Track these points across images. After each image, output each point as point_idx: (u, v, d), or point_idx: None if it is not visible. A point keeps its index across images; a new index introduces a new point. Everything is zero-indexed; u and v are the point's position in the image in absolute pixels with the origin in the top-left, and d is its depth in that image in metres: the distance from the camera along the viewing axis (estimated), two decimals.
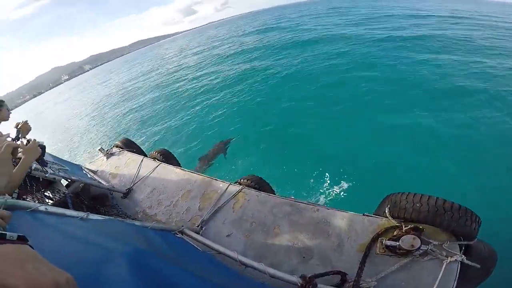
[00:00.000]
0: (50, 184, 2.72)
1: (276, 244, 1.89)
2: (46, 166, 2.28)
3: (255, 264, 1.58)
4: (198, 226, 2.21)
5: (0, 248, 0.48)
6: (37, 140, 1.78)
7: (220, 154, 6.93)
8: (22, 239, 0.56)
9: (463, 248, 1.50)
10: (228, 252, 1.72)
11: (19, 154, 1.58)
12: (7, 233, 0.54)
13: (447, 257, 1.40)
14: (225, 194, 2.42)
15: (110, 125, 14.59)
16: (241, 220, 2.15)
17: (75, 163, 3.79)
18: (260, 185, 2.49)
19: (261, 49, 18.74)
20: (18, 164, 1.58)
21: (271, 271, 1.51)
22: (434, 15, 21.77)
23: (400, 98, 7.75)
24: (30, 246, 0.57)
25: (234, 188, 2.44)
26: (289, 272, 1.52)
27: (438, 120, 6.35)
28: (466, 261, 1.41)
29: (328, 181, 4.99)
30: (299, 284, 1.40)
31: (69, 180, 2.99)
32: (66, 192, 2.58)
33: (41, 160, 2.08)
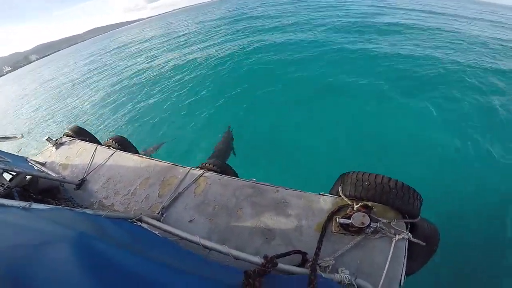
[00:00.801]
0: None
1: (240, 226, 1.91)
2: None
3: (219, 247, 1.58)
4: (158, 214, 2.15)
5: None
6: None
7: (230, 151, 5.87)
8: None
9: (409, 226, 1.62)
10: (189, 236, 1.70)
11: None
12: None
13: (395, 235, 1.51)
14: (185, 179, 2.37)
15: (59, 115, 13.47)
16: (203, 205, 2.13)
17: (19, 155, 3.43)
18: (222, 168, 2.47)
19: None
20: None
21: (235, 252, 1.52)
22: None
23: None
24: None
25: (195, 172, 2.40)
26: (253, 254, 1.54)
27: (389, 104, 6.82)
28: (412, 239, 1.53)
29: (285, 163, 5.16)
30: (261, 263, 1.43)
31: (13, 174, 2.71)
32: (11, 185, 2.34)
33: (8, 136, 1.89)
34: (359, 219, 1.48)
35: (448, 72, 8.31)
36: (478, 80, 7.75)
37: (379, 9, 20.63)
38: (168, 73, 13.05)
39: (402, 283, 1.36)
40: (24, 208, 1.47)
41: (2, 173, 2.54)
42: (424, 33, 13.30)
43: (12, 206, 1.49)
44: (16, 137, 1.73)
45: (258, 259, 1.46)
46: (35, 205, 1.53)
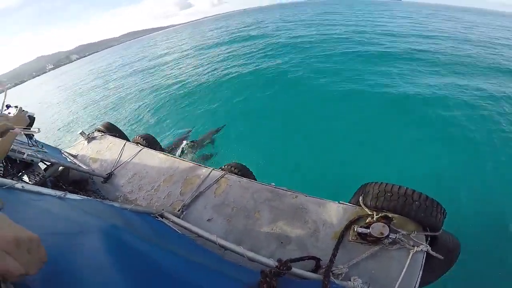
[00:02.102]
0: (28, 167, 2.65)
1: (256, 229, 1.94)
2: (32, 139, 2.22)
3: (235, 247, 1.61)
4: (179, 211, 2.23)
5: None
6: (28, 111, 1.81)
7: (208, 141, 7.09)
8: None
9: (429, 238, 1.58)
10: (207, 235, 1.75)
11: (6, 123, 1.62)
12: None
13: (414, 247, 1.48)
14: (207, 179, 2.44)
15: (93, 111, 14.29)
16: (222, 205, 2.19)
17: (53, 146, 3.68)
18: (242, 171, 2.53)
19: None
20: (4, 137, 1.61)
21: (250, 254, 1.54)
22: None
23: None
24: None
25: (217, 173, 2.47)
26: (267, 257, 1.56)
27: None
28: (431, 252, 1.49)
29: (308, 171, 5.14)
30: (275, 266, 1.45)
31: (48, 164, 2.91)
32: (46, 174, 2.52)
33: (28, 135, 2.07)
34: (378, 229, 1.46)
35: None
36: None
37: None
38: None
39: None
40: (59, 198, 1.58)
41: (39, 162, 2.74)
42: None
43: (49, 195, 1.60)
44: (35, 131, 1.88)
45: (272, 262, 1.47)
46: (69, 195, 1.64)
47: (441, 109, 6.92)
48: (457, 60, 11.18)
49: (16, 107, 1.79)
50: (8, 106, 2.06)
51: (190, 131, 8.00)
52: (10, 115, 2.00)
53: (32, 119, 1.89)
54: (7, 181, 1.37)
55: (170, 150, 6.66)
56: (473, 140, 5.73)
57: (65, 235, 1.01)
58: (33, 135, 2.17)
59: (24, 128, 1.83)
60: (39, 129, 2.15)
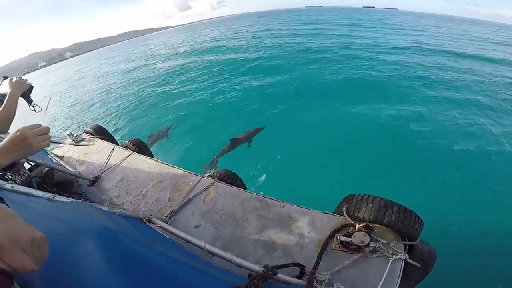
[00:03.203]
0: (12, 166, 2.60)
1: (244, 236, 1.98)
2: (31, 104, 2.23)
3: (222, 253, 1.64)
4: (166, 217, 2.24)
5: None
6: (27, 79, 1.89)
7: (245, 142, 7.23)
8: (0, 199, 0.60)
9: (407, 247, 1.68)
10: (195, 241, 1.77)
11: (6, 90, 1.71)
12: None
13: (393, 255, 1.57)
14: (196, 186, 2.47)
15: (81, 112, 14.06)
16: (211, 212, 2.22)
17: None
18: (232, 179, 2.57)
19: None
20: (7, 98, 1.66)
21: (237, 260, 1.58)
22: None
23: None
24: (7, 205, 0.61)
25: (207, 181, 2.50)
26: (254, 263, 1.60)
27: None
28: (408, 260, 1.58)
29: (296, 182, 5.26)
30: (261, 271, 1.50)
31: (32, 164, 2.86)
32: (31, 175, 2.48)
33: (26, 97, 2.10)
34: (359, 237, 1.55)
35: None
36: None
37: None
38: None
39: None
40: (48, 199, 1.58)
41: (24, 162, 2.69)
42: None
43: (38, 196, 1.60)
44: (31, 84, 1.98)
45: (258, 268, 1.52)
46: (58, 197, 1.64)
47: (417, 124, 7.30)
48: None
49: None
50: (5, 78, 2.08)
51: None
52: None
53: (31, 87, 1.98)
54: None
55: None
56: (454, 153, 6.04)
57: (57, 235, 1.03)
58: (31, 99, 2.21)
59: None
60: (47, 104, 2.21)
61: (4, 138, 1.10)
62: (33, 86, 2.04)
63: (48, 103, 2.42)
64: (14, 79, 1.94)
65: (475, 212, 4.54)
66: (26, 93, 1.99)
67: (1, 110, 1.62)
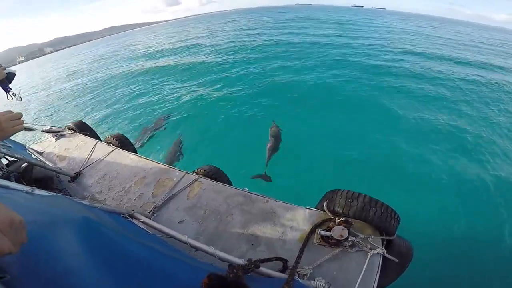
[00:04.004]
0: None
1: (228, 231, 2.00)
2: (9, 92, 2.17)
3: (206, 247, 1.65)
4: (150, 212, 2.22)
5: None
6: (9, 67, 1.86)
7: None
8: None
9: (385, 242, 1.75)
10: (178, 235, 1.77)
11: None
12: None
13: (371, 250, 1.63)
14: (180, 182, 2.46)
15: (61, 107, 13.64)
16: (195, 208, 2.22)
17: (17, 141, 3.49)
18: (217, 175, 2.58)
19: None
20: None
21: (221, 254, 1.60)
22: None
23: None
24: None
25: (191, 177, 2.50)
26: (238, 257, 1.63)
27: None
28: (386, 255, 1.64)
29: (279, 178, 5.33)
30: (244, 264, 1.52)
31: (9, 160, 2.77)
32: (9, 169, 2.40)
33: (4, 84, 2.06)
34: (338, 232, 1.60)
35: None
36: None
37: None
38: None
39: None
40: (27, 192, 1.55)
41: (1, 157, 2.60)
42: None
43: (16, 189, 1.56)
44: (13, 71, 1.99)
45: (242, 262, 1.54)
46: (37, 191, 1.60)
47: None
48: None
49: None
50: None
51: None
52: None
53: (11, 75, 1.96)
54: None
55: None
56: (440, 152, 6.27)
57: (37, 225, 1.01)
58: (9, 88, 2.14)
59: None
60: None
61: None
62: (14, 74, 2.01)
63: (19, 93, 2.34)
64: None
65: (457, 209, 4.72)
66: (3, 80, 1.95)
67: None
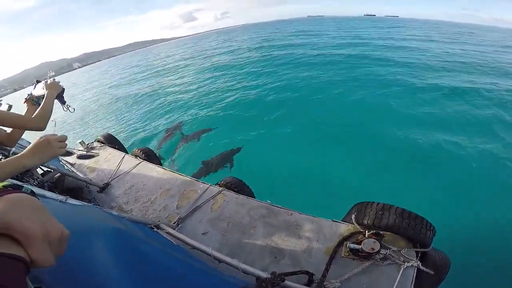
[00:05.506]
0: (26, 170, 2.67)
1: (251, 243, 1.97)
2: (64, 104, 2.33)
3: (229, 259, 1.64)
4: (174, 223, 2.25)
5: (18, 196, 0.54)
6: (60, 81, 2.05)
7: (226, 163, 6.60)
8: (33, 194, 0.62)
9: (419, 255, 1.65)
10: (202, 247, 1.77)
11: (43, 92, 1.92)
12: (24, 185, 0.60)
13: (404, 263, 1.54)
14: (204, 194, 2.48)
15: (93, 122, 14.45)
16: (218, 220, 2.22)
17: None
18: (240, 188, 2.58)
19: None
20: (44, 99, 1.83)
21: (244, 266, 1.57)
22: None
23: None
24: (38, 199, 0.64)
25: (214, 189, 2.52)
26: (261, 270, 1.59)
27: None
28: (421, 267, 1.55)
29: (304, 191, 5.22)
30: (268, 278, 1.49)
31: (45, 169, 2.93)
32: (44, 179, 2.54)
33: (61, 98, 2.22)
34: (369, 244, 1.52)
35: None
36: None
37: None
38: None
39: None
40: (61, 201, 1.62)
41: (37, 168, 2.76)
42: None
43: (51, 198, 1.64)
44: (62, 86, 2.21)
45: (265, 275, 1.50)
46: (70, 200, 1.67)
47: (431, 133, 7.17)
48: None
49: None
50: (38, 81, 2.19)
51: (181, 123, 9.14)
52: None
53: (63, 89, 2.14)
54: (15, 182, 1.41)
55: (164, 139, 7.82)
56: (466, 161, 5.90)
57: (71, 233, 1.05)
58: (65, 101, 2.30)
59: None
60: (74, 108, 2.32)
61: (25, 147, 1.19)
62: (64, 89, 2.17)
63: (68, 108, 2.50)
64: (49, 81, 2.06)
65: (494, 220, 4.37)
66: (60, 94, 2.11)
67: (41, 110, 1.77)
